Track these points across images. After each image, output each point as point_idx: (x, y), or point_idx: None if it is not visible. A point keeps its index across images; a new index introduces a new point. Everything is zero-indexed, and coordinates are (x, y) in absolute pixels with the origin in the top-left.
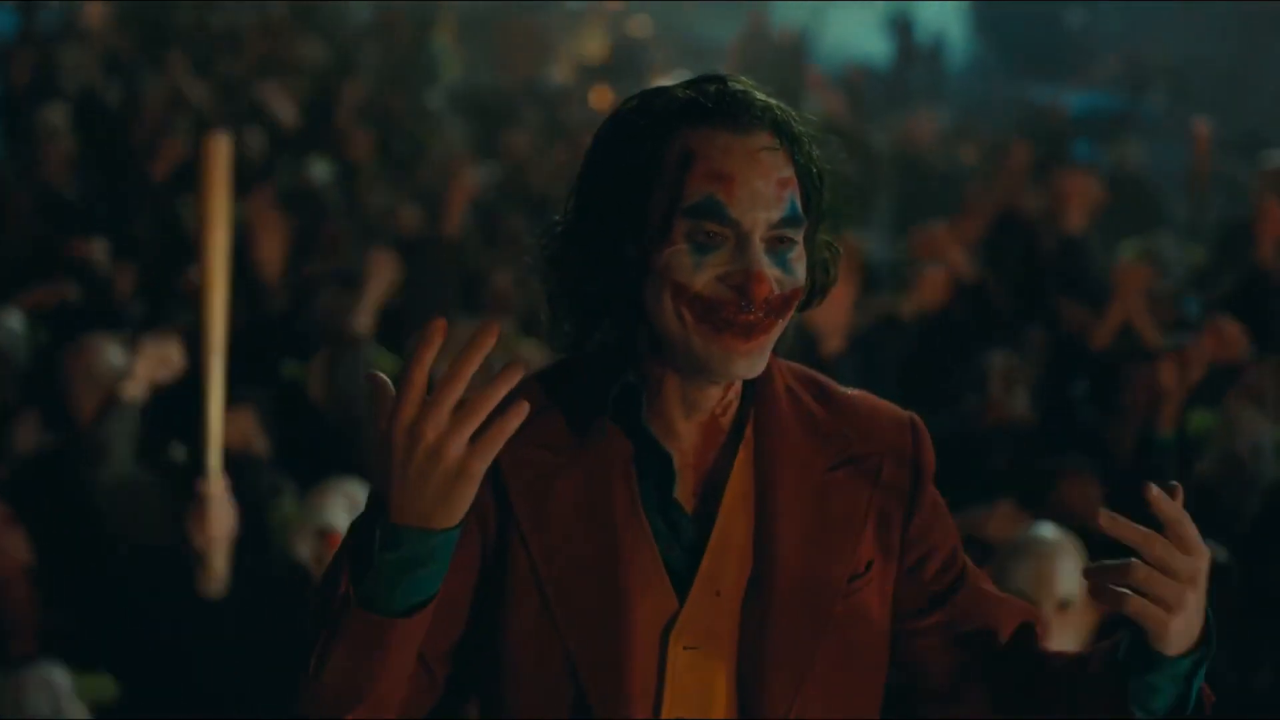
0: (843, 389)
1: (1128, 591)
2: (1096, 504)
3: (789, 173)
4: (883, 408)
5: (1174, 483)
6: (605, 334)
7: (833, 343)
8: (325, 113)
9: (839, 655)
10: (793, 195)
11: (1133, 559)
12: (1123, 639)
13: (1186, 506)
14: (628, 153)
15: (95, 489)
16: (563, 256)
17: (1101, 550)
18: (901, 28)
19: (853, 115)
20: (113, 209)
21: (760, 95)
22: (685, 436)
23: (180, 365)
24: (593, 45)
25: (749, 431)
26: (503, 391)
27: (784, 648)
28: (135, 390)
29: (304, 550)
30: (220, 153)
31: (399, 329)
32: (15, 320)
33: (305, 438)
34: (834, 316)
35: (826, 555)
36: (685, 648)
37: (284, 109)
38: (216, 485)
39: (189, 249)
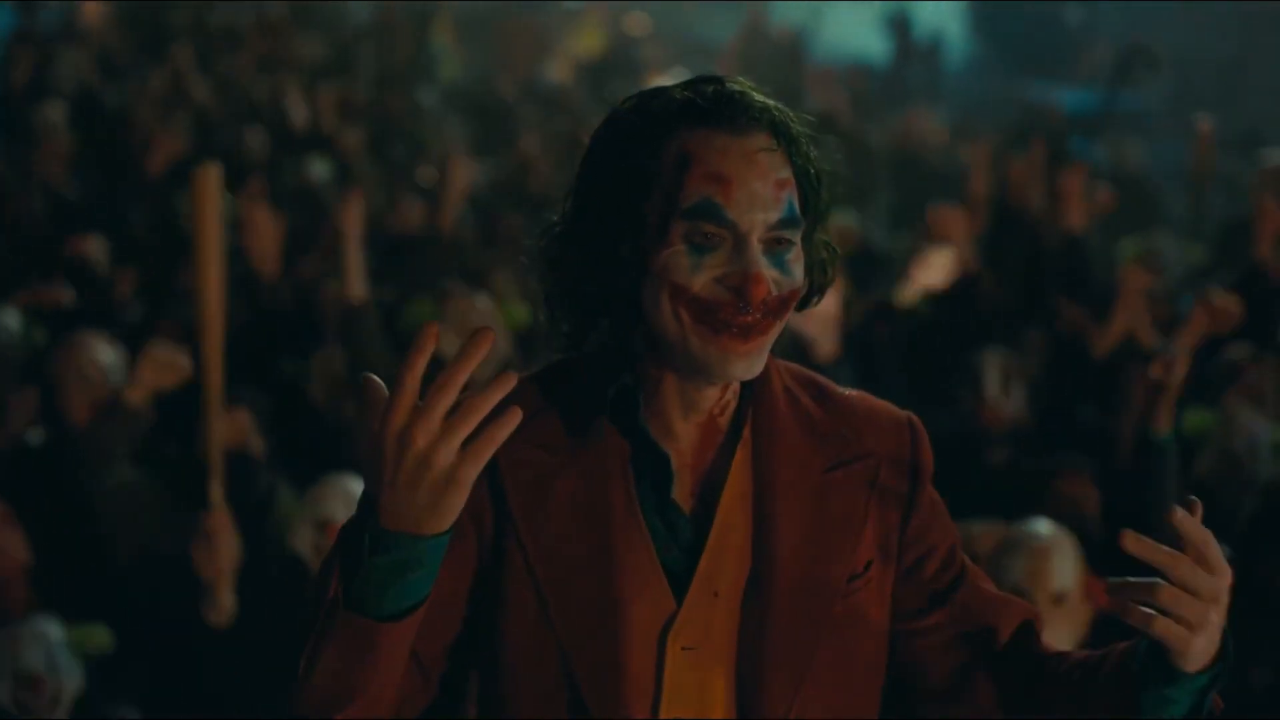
0: (841, 389)
1: (1152, 611)
2: (1092, 503)
3: (787, 174)
4: (881, 408)
5: (1193, 498)
6: (603, 334)
7: (826, 348)
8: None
9: (838, 656)
10: (790, 196)
11: (1158, 580)
12: (1137, 649)
13: (1185, 506)
14: (625, 154)
15: (93, 493)
16: (561, 257)
17: (1096, 548)
18: (900, 26)
19: (852, 113)
20: (110, 207)
21: (758, 96)
22: (683, 437)
23: (186, 373)
24: (590, 43)
25: (747, 432)
26: (495, 399)
27: (783, 648)
28: (139, 397)
29: (303, 542)
30: (210, 184)
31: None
32: (12, 318)
33: (305, 437)
34: (823, 321)
35: (825, 556)
36: (683, 648)
37: (298, 110)
38: (220, 518)
39: (186, 247)
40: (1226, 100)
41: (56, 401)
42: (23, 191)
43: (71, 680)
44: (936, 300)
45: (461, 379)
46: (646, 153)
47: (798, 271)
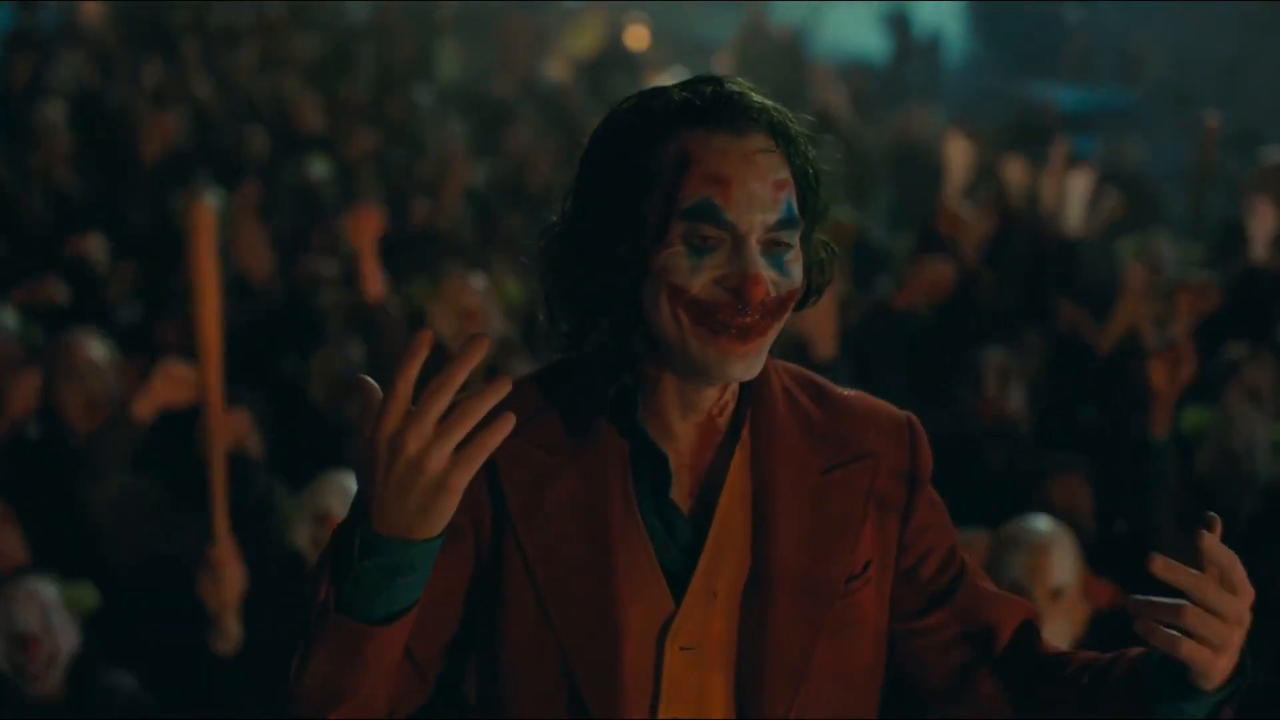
0: (840, 390)
1: (1176, 634)
2: (1085, 503)
3: (785, 174)
4: (879, 408)
5: (1212, 514)
6: (603, 335)
7: (824, 348)
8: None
9: (837, 656)
10: (789, 197)
11: (1183, 601)
12: (1150, 659)
13: (1184, 504)
14: (625, 154)
15: (93, 499)
16: (560, 257)
17: (1093, 545)
18: (899, 24)
19: (851, 111)
20: (110, 206)
21: (757, 97)
22: (682, 437)
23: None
24: (588, 43)
25: (746, 432)
26: (489, 404)
27: (782, 649)
28: (148, 410)
29: (301, 537)
30: (205, 218)
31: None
32: (9, 317)
33: (305, 437)
34: (820, 320)
35: (824, 556)
36: (681, 648)
37: (311, 116)
38: (226, 549)
39: (182, 244)
40: (1226, 100)
41: (50, 399)
42: (23, 191)
43: (67, 640)
44: (935, 309)
45: (456, 383)
46: (645, 153)
47: (796, 272)
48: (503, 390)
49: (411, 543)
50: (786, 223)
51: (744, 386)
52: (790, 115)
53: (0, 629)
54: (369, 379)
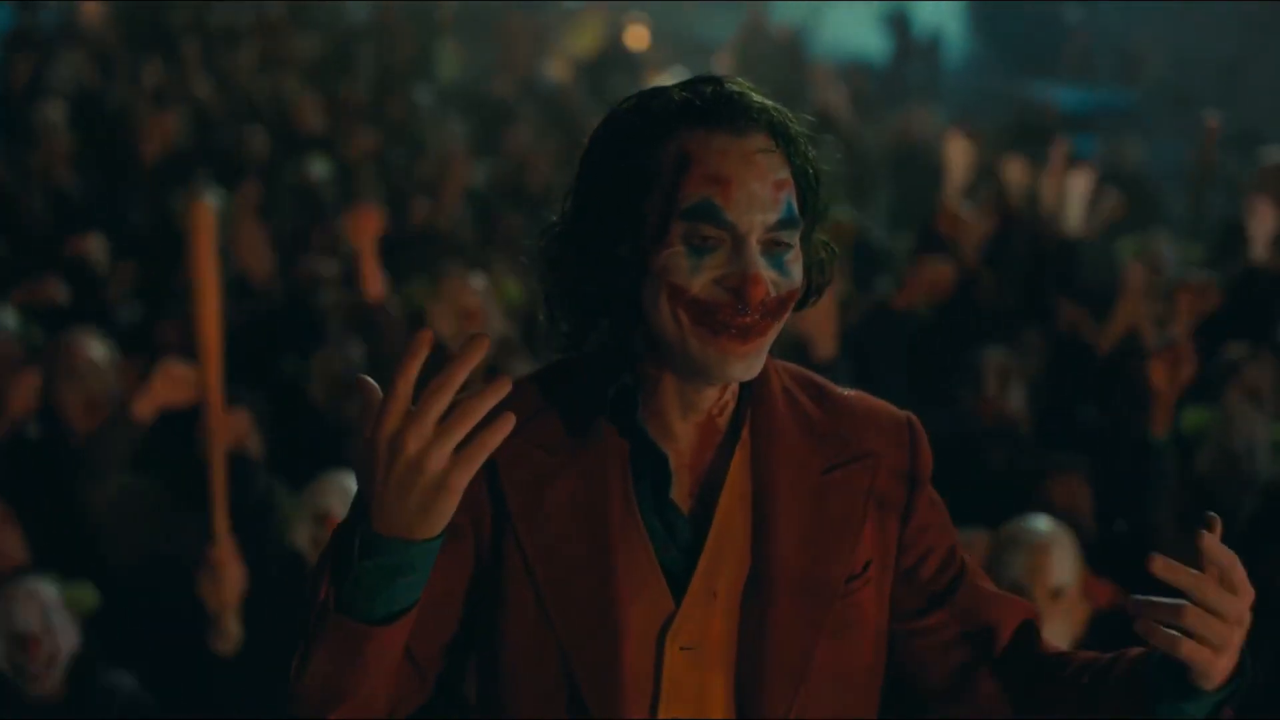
0: (839, 390)
1: (1176, 634)
2: (1084, 503)
3: (785, 175)
4: (879, 408)
5: (1212, 514)
6: (603, 335)
7: (824, 348)
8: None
9: (837, 656)
10: (789, 197)
11: (1184, 602)
12: (1149, 659)
13: (1184, 504)
14: (625, 154)
15: (93, 500)
16: (560, 257)
17: (1093, 545)
18: (899, 24)
19: (851, 111)
20: (110, 206)
21: (757, 97)
22: (682, 437)
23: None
24: (587, 43)
25: (745, 433)
26: (488, 405)
27: (782, 649)
28: (148, 410)
29: (302, 537)
30: (205, 219)
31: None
32: (9, 317)
33: (305, 437)
34: (821, 320)
35: (824, 556)
36: (681, 648)
37: (311, 116)
38: (226, 550)
39: (182, 244)
40: (1226, 100)
41: (50, 399)
42: (23, 191)
43: (67, 640)
44: (935, 310)
45: (456, 384)
46: (645, 153)
47: (796, 272)
48: (503, 390)
49: (411, 543)
50: (786, 223)
51: (744, 386)
52: (790, 115)
53: (0, 629)
54: (369, 379)
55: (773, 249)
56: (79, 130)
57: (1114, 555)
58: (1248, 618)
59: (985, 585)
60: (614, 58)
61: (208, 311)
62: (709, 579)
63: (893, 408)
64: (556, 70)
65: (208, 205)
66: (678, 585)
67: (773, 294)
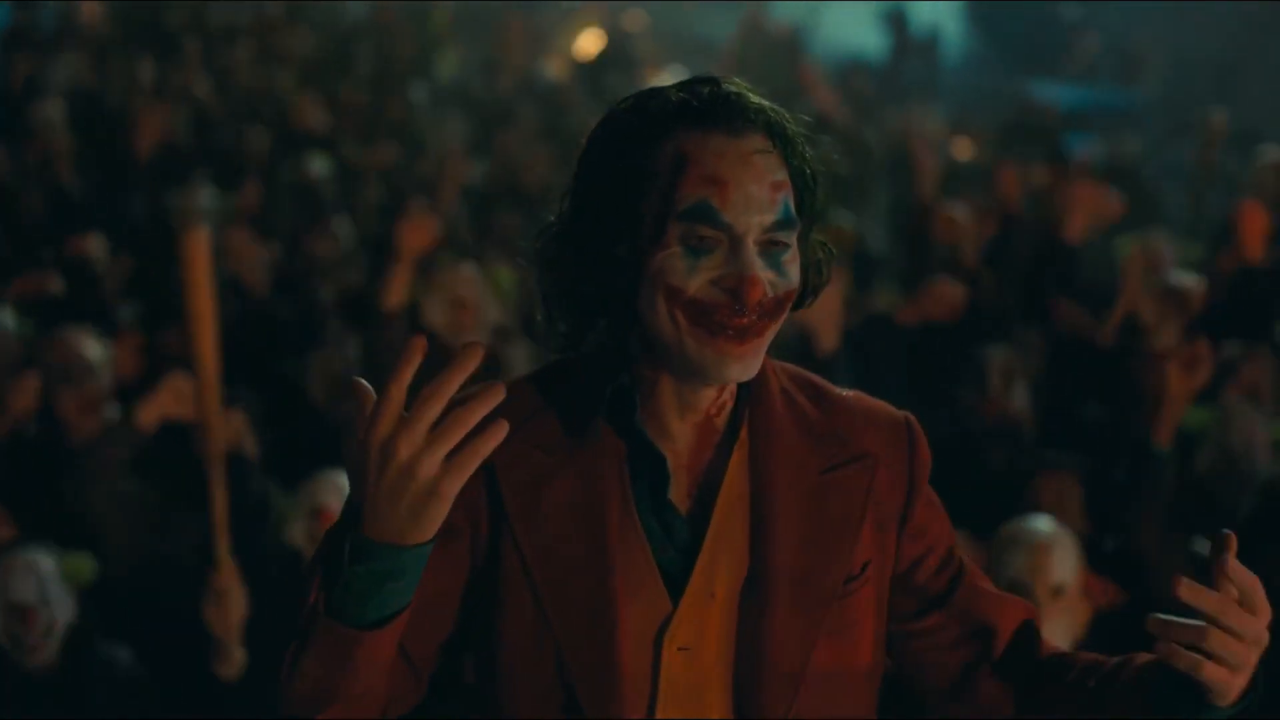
0: (838, 390)
1: (1197, 656)
2: (1074, 503)
3: (782, 175)
4: (878, 408)
5: (1227, 531)
6: (600, 335)
7: (828, 340)
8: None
9: (835, 657)
10: (786, 198)
11: (1206, 625)
12: (1158, 672)
13: (1183, 504)
14: (622, 154)
15: (92, 503)
16: (558, 257)
17: (1091, 545)
18: (897, 22)
19: (848, 111)
20: (109, 205)
21: (754, 97)
22: (679, 438)
23: None
24: (586, 40)
25: (744, 433)
26: (481, 412)
27: (781, 650)
28: (151, 420)
29: (298, 532)
30: (200, 247)
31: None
32: (7, 317)
33: (304, 438)
34: (825, 313)
35: (823, 557)
36: (679, 649)
37: (310, 115)
38: (228, 576)
39: (177, 243)
40: (1225, 100)
41: (46, 399)
42: (22, 190)
43: (63, 611)
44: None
45: (449, 391)
46: (643, 153)
47: (793, 273)
48: (496, 398)
49: (402, 548)
50: (784, 223)
51: (742, 387)
52: (788, 115)
53: None
54: (364, 381)
55: (770, 250)
56: (78, 129)
57: (1104, 554)
58: (1266, 637)
59: (984, 586)
60: (612, 56)
61: (204, 342)
62: (707, 580)
63: (891, 408)
64: (555, 70)
65: (204, 233)
66: (675, 586)
67: (770, 295)
